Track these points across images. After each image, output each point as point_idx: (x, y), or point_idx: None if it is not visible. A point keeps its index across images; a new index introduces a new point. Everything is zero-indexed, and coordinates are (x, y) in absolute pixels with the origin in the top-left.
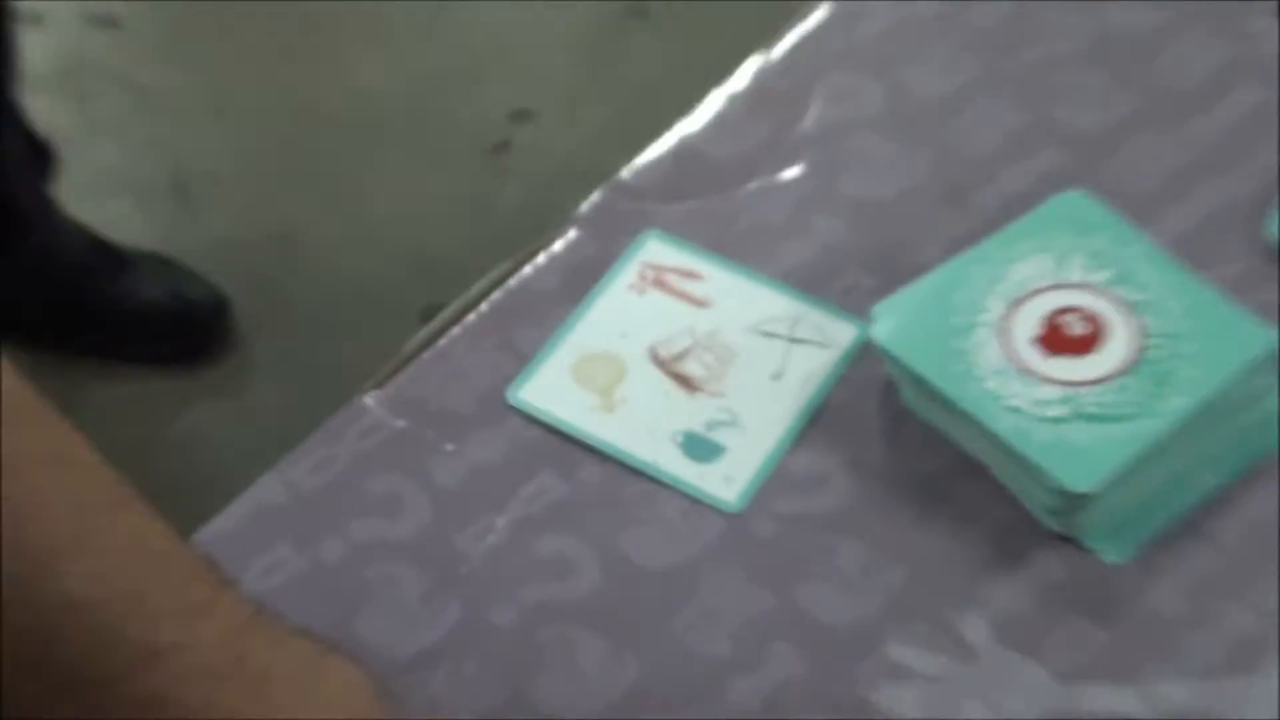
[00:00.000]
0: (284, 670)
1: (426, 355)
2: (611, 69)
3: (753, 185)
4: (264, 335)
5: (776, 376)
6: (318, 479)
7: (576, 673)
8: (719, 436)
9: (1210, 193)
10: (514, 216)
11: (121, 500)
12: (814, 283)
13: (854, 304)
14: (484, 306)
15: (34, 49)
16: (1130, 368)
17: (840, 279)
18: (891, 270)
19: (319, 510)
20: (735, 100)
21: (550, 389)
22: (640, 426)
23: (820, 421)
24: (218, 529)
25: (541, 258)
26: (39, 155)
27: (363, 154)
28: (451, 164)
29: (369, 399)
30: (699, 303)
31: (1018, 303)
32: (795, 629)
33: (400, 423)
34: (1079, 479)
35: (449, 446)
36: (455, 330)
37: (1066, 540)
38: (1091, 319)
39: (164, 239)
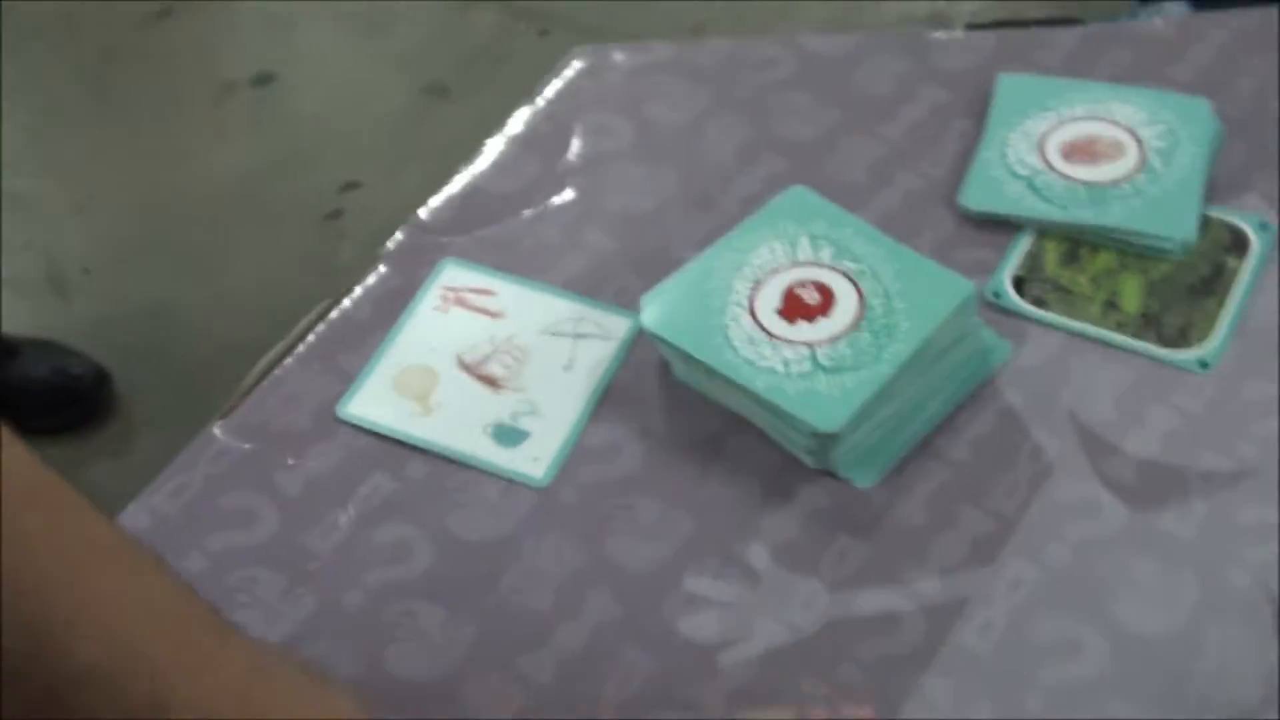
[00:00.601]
0: (285, 710)
1: (264, 385)
2: (422, 138)
3: (530, 212)
4: (144, 398)
5: (567, 368)
6: (176, 503)
7: (422, 641)
8: (523, 424)
9: (908, 177)
10: (351, 270)
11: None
12: (591, 287)
13: (626, 301)
14: (310, 338)
15: None
16: (857, 325)
17: (612, 282)
18: (654, 269)
19: (180, 529)
20: (510, 143)
21: (374, 401)
22: (455, 424)
23: (608, 402)
24: None
25: (357, 291)
26: None
27: (216, 231)
28: (294, 231)
29: (216, 429)
30: (494, 314)
31: (760, 283)
32: (606, 578)
33: (246, 445)
34: (826, 421)
35: (290, 461)
36: (288, 361)
37: (825, 474)
38: (822, 289)
39: (45, 326)
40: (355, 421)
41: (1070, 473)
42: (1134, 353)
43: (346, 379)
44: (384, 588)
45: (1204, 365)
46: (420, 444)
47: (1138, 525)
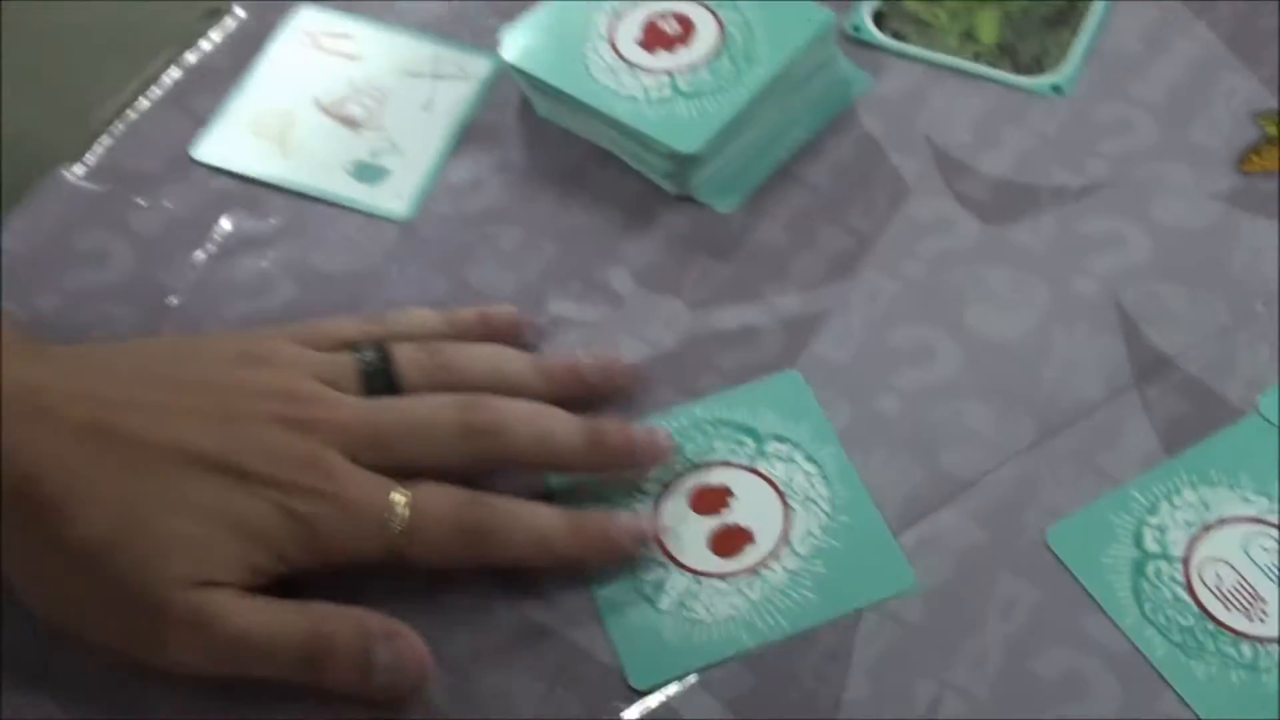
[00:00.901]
0: None
1: (115, 128)
2: None
3: None
4: None
5: (427, 108)
6: (26, 243)
7: None
8: (384, 162)
9: None
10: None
11: None
12: (451, 30)
13: (486, 43)
14: (166, 80)
15: None
16: (717, 53)
17: (471, 24)
18: (514, 11)
19: (31, 269)
20: None
21: (230, 143)
22: (315, 163)
23: (469, 139)
24: None
25: (212, 34)
26: None
27: None
28: None
29: (64, 171)
30: (352, 57)
31: (619, 14)
32: (469, 302)
33: (97, 187)
34: (686, 143)
35: (144, 202)
36: (141, 103)
37: (685, 200)
38: (681, 19)
39: None
40: (211, 163)
41: (926, 192)
42: (990, 80)
43: (201, 122)
44: (245, 320)
45: (1057, 90)
46: (279, 183)
47: (990, 238)
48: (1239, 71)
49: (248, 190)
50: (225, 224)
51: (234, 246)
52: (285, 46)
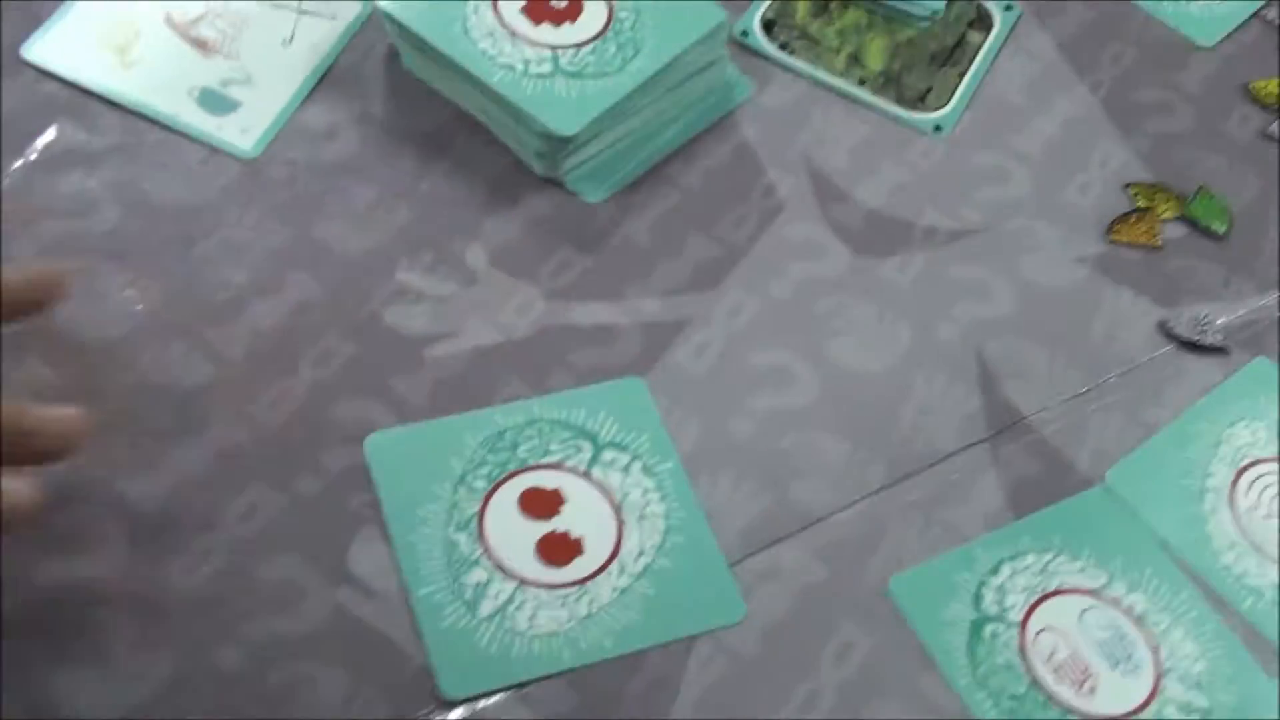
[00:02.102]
0: None
1: None
2: None
3: None
4: None
5: (287, 42)
6: None
7: (99, 300)
8: (234, 93)
9: None
10: None
11: None
12: None
13: None
14: None
15: None
16: (603, 35)
17: None
18: None
19: None
20: None
21: (66, 47)
22: (158, 83)
23: (329, 82)
24: None
25: None
26: None
27: None
28: None
29: None
30: None
31: None
32: (311, 259)
33: None
34: (562, 123)
35: None
36: None
37: (553, 183)
38: None
39: None
40: (42, 65)
41: (800, 213)
42: (873, 109)
43: (36, 21)
44: (60, 241)
45: (939, 129)
46: (115, 98)
47: (860, 270)
48: (1114, 139)
49: (80, 100)
50: (51, 133)
51: (57, 157)
52: None
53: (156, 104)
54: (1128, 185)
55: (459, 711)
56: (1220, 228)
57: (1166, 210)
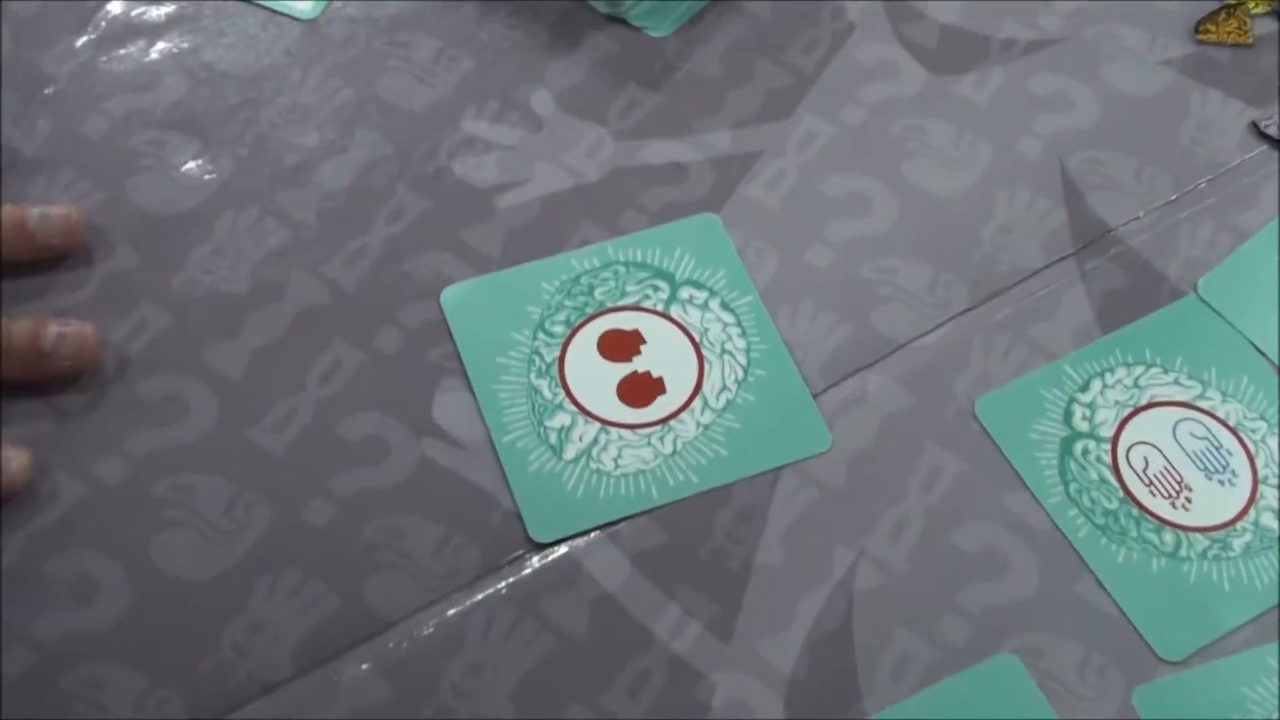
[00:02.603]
0: None
1: None
2: None
3: None
4: None
5: None
6: None
7: (166, 175)
8: None
9: None
10: None
11: None
12: None
13: None
14: None
15: None
16: None
17: None
18: None
19: None
20: None
21: None
22: None
23: None
24: None
25: None
26: None
27: None
28: None
29: None
30: None
31: None
32: (378, 115)
33: None
34: None
35: None
36: None
37: (616, 20)
38: None
39: None
40: None
41: (872, 34)
42: None
43: None
44: (129, 116)
45: None
46: None
47: (935, 89)
48: None
49: None
50: (112, 7)
51: (120, 33)
52: None
53: None
54: None
55: (549, 552)
56: None
57: (1258, 4)
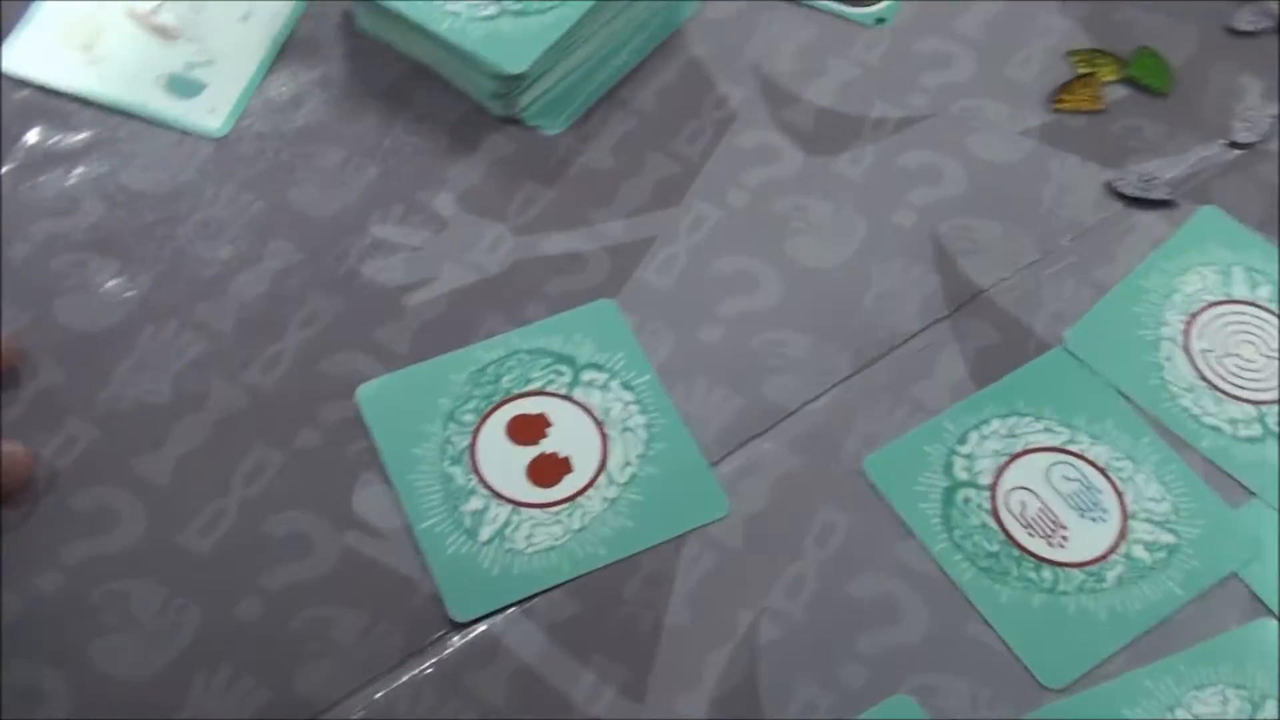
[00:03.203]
0: None
1: None
2: None
3: None
4: None
5: (245, 19)
6: None
7: (92, 292)
8: (199, 75)
9: None
10: None
11: None
12: None
13: None
14: None
15: None
16: None
17: None
18: None
19: None
20: None
21: (36, 52)
22: (125, 75)
23: (289, 53)
24: None
25: None
26: None
27: None
28: None
29: None
30: None
31: None
32: (288, 226)
33: None
34: (512, 61)
35: None
36: None
37: (511, 122)
38: None
39: None
40: (15, 73)
41: (752, 121)
42: (816, 9)
43: (2, 31)
44: (51, 239)
45: (881, 21)
46: (88, 96)
47: (813, 169)
48: (1053, 10)
49: (54, 103)
50: (30, 138)
51: (39, 161)
52: None
53: (126, 96)
54: (1069, 53)
55: (469, 631)
56: (1164, 85)
57: (1108, 73)
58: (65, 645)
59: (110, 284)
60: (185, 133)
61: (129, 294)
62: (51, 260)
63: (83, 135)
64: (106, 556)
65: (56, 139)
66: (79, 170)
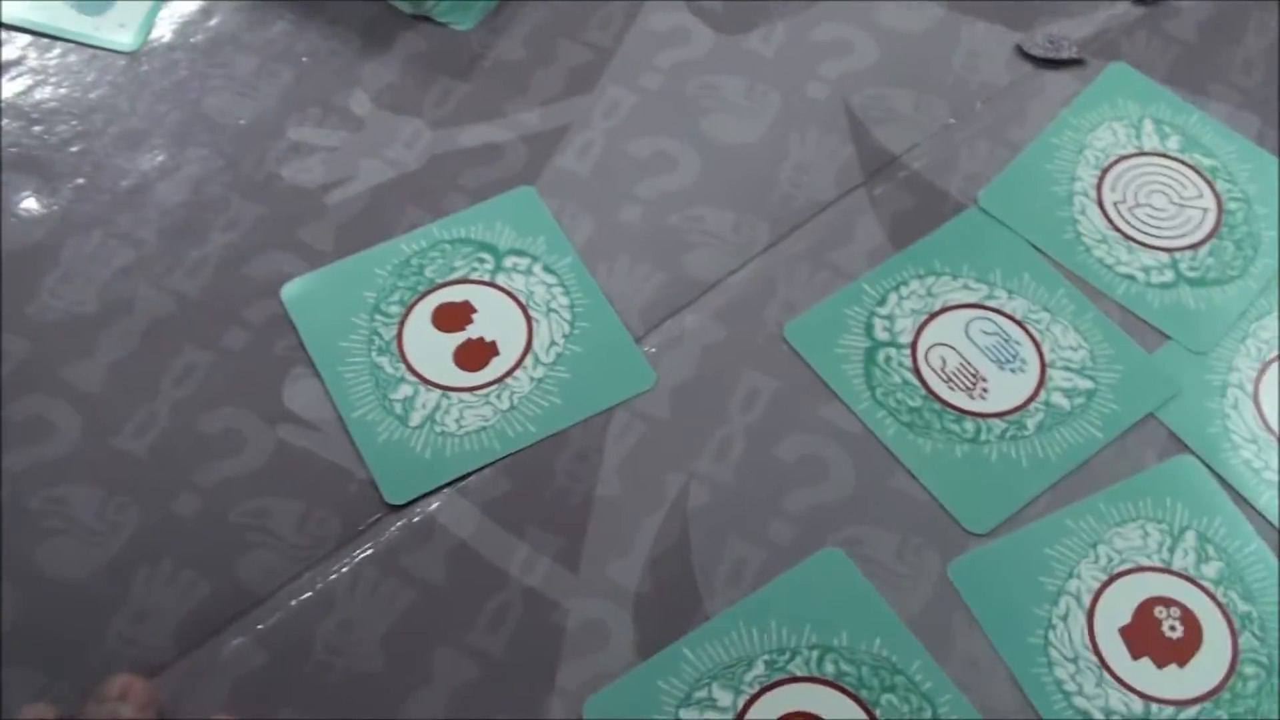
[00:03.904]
0: None
1: None
2: None
3: None
4: None
5: None
6: None
7: (9, 212)
8: None
9: None
10: None
11: None
12: None
13: None
14: None
15: None
16: None
17: None
18: None
19: None
20: None
21: None
22: None
23: None
24: None
25: None
26: None
27: None
28: None
29: None
30: None
31: None
32: (206, 134)
33: None
34: None
35: None
36: None
37: (423, 19)
38: None
39: None
40: None
41: (661, 4)
42: None
43: None
44: None
45: None
46: None
47: (724, 47)
48: None
49: None
50: None
51: None
52: None
53: (33, 15)
54: None
55: (406, 513)
56: None
57: None
58: (9, 552)
59: (29, 201)
60: (97, 49)
61: (50, 209)
62: None
63: None
64: (44, 464)
65: None
66: None
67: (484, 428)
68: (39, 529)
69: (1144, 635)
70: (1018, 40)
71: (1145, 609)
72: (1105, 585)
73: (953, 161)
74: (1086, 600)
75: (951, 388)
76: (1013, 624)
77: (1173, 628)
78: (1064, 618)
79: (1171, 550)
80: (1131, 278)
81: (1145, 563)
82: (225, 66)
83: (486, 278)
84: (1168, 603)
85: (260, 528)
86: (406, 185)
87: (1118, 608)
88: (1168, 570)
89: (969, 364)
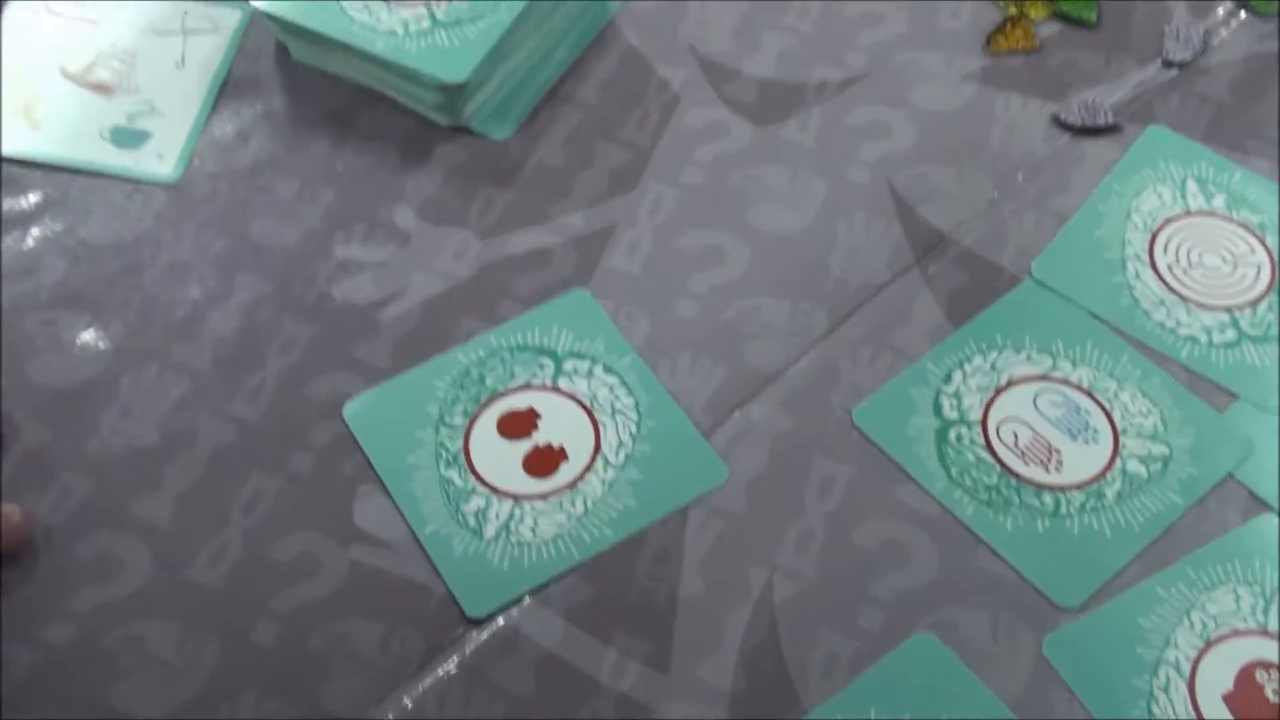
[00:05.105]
0: None
1: None
2: None
3: None
4: None
5: (180, 65)
6: None
7: (66, 349)
8: (142, 124)
9: None
10: None
11: None
12: None
13: None
14: None
15: None
16: None
17: None
18: None
19: None
20: None
21: None
22: (68, 134)
23: (229, 93)
24: None
25: None
26: None
27: None
28: None
29: None
30: (90, 21)
31: None
32: (253, 259)
33: None
34: (452, 72)
35: None
36: None
37: (460, 130)
38: None
39: None
40: None
41: (696, 100)
42: None
43: None
44: (18, 302)
45: None
46: (35, 159)
47: (763, 138)
48: None
49: (2, 170)
50: None
51: None
52: (18, 17)
53: (73, 153)
54: None
55: (489, 626)
56: (1090, 16)
57: (1037, 12)
58: (85, 693)
59: (83, 337)
60: (138, 182)
61: (103, 345)
62: (20, 322)
63: (35, 197)
64: (115, 601)
65: (9, 204)
66: (35, 231)
67: (560, 534)
68: (115, 668)
69: (1248, 701)
70: (1053, 111)
71: (1247, 674)
72: (1203, 652)
73: (1002, 235)
74: (1186, 669)
75: (1026, 462)
76: (1114, 698)
77: (1276, 691)
78: (1165, 689)
79: (1265, 612)
80: (1194, 339)
81: (1241, 627)
82: (266, 191)
83: (548, 383)
84: (1268, 666)
85: (342, 651)
86: (459, 296)
87: (1218, 675)
88: (1264, 633)
89: (1041, 437)
